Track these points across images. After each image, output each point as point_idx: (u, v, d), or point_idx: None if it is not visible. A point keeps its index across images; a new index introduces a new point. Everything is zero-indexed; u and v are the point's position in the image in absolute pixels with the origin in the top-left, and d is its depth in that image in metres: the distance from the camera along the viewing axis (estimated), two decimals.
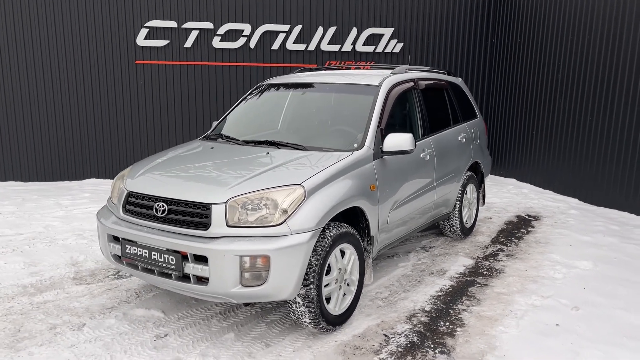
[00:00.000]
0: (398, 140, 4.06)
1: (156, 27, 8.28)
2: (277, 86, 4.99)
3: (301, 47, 8.76)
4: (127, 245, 3.53)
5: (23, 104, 8.16)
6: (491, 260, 5.19)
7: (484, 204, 6.34)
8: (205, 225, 3.28)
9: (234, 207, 3.26)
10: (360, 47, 8.97)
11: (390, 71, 4.88)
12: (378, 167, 4.05)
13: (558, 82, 7.89)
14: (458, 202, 5.53)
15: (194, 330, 3.66)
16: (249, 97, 5.04)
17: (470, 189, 5.84)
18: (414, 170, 4.55)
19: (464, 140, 5.54)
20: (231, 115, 4.91)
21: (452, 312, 4.03)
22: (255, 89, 5.09)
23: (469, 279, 4.71)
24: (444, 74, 5.85)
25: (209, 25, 8.40)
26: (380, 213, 4.05)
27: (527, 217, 6.79)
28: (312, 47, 8.80)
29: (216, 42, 8.47)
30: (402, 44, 9.11)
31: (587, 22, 7.32)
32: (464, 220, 5.72)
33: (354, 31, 8.89)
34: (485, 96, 9.60)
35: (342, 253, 3.69)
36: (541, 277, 4.74)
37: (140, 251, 3.45)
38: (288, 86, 4.94)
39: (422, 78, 5.13)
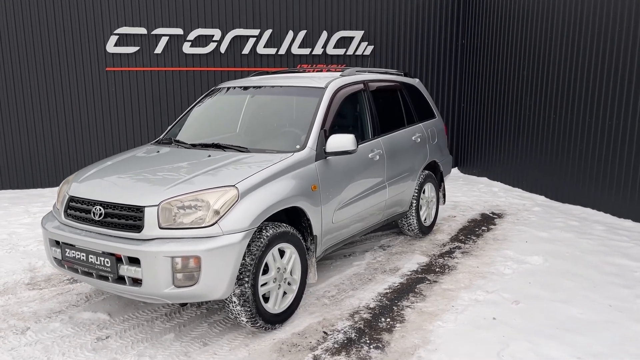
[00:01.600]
0: (340, 141, 4.13)
1: (126, 34, 8.36)
2: (229, 90, 5.07)
3: (272, 51, 8.85)
4: (66, 249, 3.59)
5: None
6: (446, 258, 5.26)
7: (444, 203, 6.43)
8: (139, 228, 3.35)
9: (166, 209, 3.33)
10: (330, 50, 9.06)
11: (340, 73, 4.96)
12: (321, 167, 4.13)
13: (524, 82, 7.99)
14: (415, 201, 5.61)
15: (136, 332, 3.73)
16: (202, 101, 5.12)
17: (429, 188, 5.91)
18: (362, 170, 4.63)
19: (419, 140, 5.62)
20: (184, 120, 4.98)
21: (395, 308, 4.10)
22: (208, 93, 5.17)
23: (420, 276, 4.79)
24: (400, 75, 5.94)
25: (178, 31, 8.48)
26: (324, 213, 4.13)
27: (491, 215, 6.87)
28: (282, 51, 8.88)
29: (186, 48, 8.55)
30: (372, 46, 9.21)
31: (550, 23, 7.42)
32: (422, 219, 5.80)
33: (324, 34, 8.98)
34: (457, 97, 9.70)
35: (282, 252, 3.77)
36: (491, 273, 4.82)
37: (78, 254, 3.51)
38: (239, 90, 5.02)
39: (373, 80, 5.21)
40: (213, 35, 8.59)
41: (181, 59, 8.59)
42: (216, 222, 3.32)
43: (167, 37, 8.47)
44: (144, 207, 3.35)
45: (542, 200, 7.53)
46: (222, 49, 8.66)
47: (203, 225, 3.31)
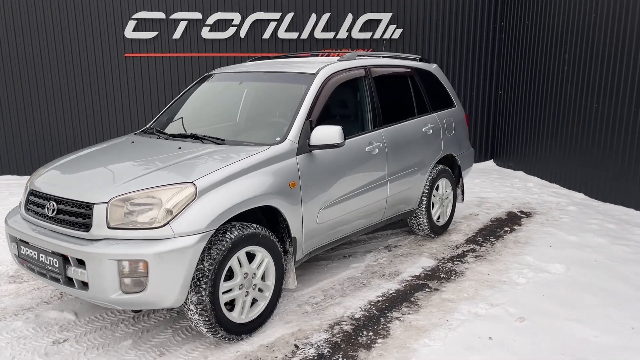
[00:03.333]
0: (324, 133, 3.73)
1: (144, 19, 8.18)
2: (219, 77, 4.74)
3: (293, 35, 8.47)
4: (21, 247, 3.39)
5: (17, 100, 8.27)
6: (455, 262, 4.78)
7: (462, 201, 5.89)
8: (87, 227, 3.08)
9: (116, 207, 3.05)
10: (356, 34, 8.58)
11: (338, 58, 4.53)
12: (303, 162, 3.74)
13: (566, 67, 7.26)
14: (425, 199, 5.12)
15: (96, 336, 3.49)
16: (193, 88, 4.81)
17: (443, 184, 5.41)
18: (356, 165, 4.20)
19: (431, 131, 5.12)
20: (173, 108, 4.70)
21: (382, 320, 3.69)
22: (199, 81, 4.86)
23: (420, 282, 4.34)
24: (415, 60, 5.43)
25: (197, 15, 8.23)
26: (305, 212, 3.75)
27: (518, 213, 6.28)
28: (305, 35, 8.48)
29: (205, 33, 8.30)
30: (401, 29, 8.66)
31: (595, 1, 6.66)
32: (434, 218, 5.31)
33: (350, 17, 8.50)
34: (493, 84, 9.02)
35: (253, 256, 3.42)
36: (501, 282, 4.31)
37: (31, 253, 3.30)
38: (229, 77, 4.67)
39: (377, 65, 4.75)
40: (232, 20, 8.29)
41: (200, 44, 8.35)
42: (168, 223, 3.01)
43: (186, 22, 8.23)
44: (93, 204, 3.08)
45: (580, 198, 6.84)
46: (242, 33, 8.35)
47: (154, 226, 3.01)
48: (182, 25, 8.23)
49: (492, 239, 5.38)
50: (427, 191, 5.13)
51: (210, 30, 8.30)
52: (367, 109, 4.48)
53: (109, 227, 3.03)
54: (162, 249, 2.94)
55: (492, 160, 9.34)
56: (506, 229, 5.72)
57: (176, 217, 3.02)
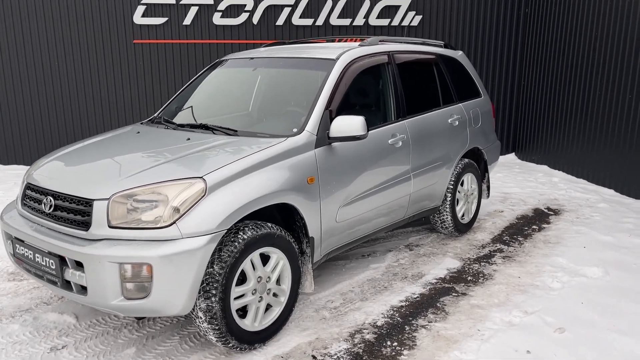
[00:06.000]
0: (345, 124, 3.42)
1: (154, 4, 7.87)
2: (232, 62, 4.42)
3: (308, 21, 8.12)
4: (17, 245, 3.12)
5: (23, 88, 8.03)
6: (482, 263, 4.46)
7: (488, 197, 5.55)
8: (87, 225, 2.80)
9: (117, 204, 2.76)
10: (373, 21, 8.21)
11: (359, 43, 4.20)
12: (322, 155, 3.43)
13: (595, 56, 6.86)
14: (449, 195, 4.80)
15: (97, 342, 3.22)
16: (204, 75, 4.50)
17: (469, 179, 5.07)
18: (379, 158, 3.89)
19: (457, 123, 4.78)
20: (183, 96, 4.40)
21: (407, 328, 3.39)
22: (210, 66, 4.55)
23: (446, 286, 4.02)
24: (439, 46, 5.08)
25: (208, 0, 7.90)
26: (324, 210, 3.44)
27: (545, 210, 5.93)
28: (320, 21, 8.13)
29: (217, 19, 7.97)
30: (420, 16, 8.27)
31: None
32: (459, 216, 4.98)
33: (367, 3, 8.14)
34: (517, 73, 8.62)
35: (268, 258, 3.13)
36: (534, 286, 3.99)
37: (27, 252, 3.03)
38: (243, 62, 4.36)
39: (400, 51, 4.41)
40: (245, 5, 7.96)
41: (211, 30, 8.03)
42: (174, 223, 2.72)
43: (197, 7, 7.91)
44: (93, 200, 2.80)
45: (610, 195, 6.46)
46: (255, 19, 8.01)
47: (159, 226, 2.72)
48: (192, 11, 7.92)
49: (520, 238, 5.05)
50: (451, 187, 4.80)
51: (222, 16, 7.97)
52: (391, 98, 4.15)
53: (110, 226, 2.75)
54: (168, 251, 2.65)
55: (513, 153, 8.96)
56: (534, 227, 5.38)
57: (184, 216, 2.73)
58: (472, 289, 3.97)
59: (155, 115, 4.32)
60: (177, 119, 4.02)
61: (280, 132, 3.43)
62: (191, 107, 4.17)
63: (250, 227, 2.99)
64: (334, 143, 3.52)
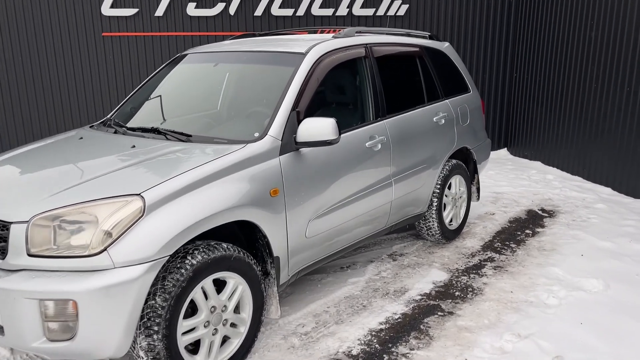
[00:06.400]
0: (314, 127, 3.01)
1: None
2: (193, 57, 3.99)
3: (289, 12, 7.67)
4: None
5: None
6: (472, 275, 4.07)
7: (478, 199, 5.16)
8: (3, 253, 2.38)
9: (38, 228, 2.34)
10: (357, 11, 7.77)
11: (333, 35, 3.78)
12: (288, 163, 3.02)
13: (592, 46, 6.47)
14: (436, 200, 4.40)
15: None
16: (162, 72, 4.07)
17: (456, 182, 4.68)
18: (355, 164, 3.48)
19: (443, 121, 4.37)
20: (139, 94, 3.96)
21: (386, 358, 2.99)
22: (169, 62, 4.12)
23: (431, 303, 3.64)
24: (424, 38, 4.66)
25: None
26: (291, 225, 3.03)
27: (540, 212, 5.55)
28: (301, 11, 7.68)
29: (191, 9, 7.50)
30: (407, 5, 7.84)
31: None
32: (446, 221, 4.59)
33: None
34: (508, 64, 8.22)
35: (223, 283, 2.72)
36: (528, 302, 3.61)
37: None
38: (204, 57, 3.93)
39: (380, 43, 3.99)
40: None
41: (185, 21, 7.56)
42: (105, 249, 2.30)
43: None
44: (10, 223, 2.38)
45: (607, 194, 6.09)
46: (232, 10, 7.55)
47: (87, 254, 2.30)
48: (165, 1, 7.44)
49: (513, 245, 4.67)
50: (438, 191, 4.40)
51: (196, 7, 7.51)
52: (369, 96, 3.74)
53: (30, 255, 2.33)
54: (97, 284, 2.24)
55: (505, 148, 8.57)
56: (527, 231, 5.00)
57: (117, 242, 2.32)
58: (459, 306, 3.59)
59: (108, 116, 3.89)
60: (131, 122, 3.59)
61: (239, 137, 3.01)
62: (148, 108, 3.74)
63: (201, 250, 2.58)
64: (302, 149, 3.10)
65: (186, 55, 4.07)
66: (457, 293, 3.79)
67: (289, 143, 3.04)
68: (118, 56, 7.59)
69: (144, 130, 3.31)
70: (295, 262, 3.15)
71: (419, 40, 4.50)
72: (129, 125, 3.49)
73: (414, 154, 4.03)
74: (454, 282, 3.98)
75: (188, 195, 2.54)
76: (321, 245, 3.33)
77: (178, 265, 2.48)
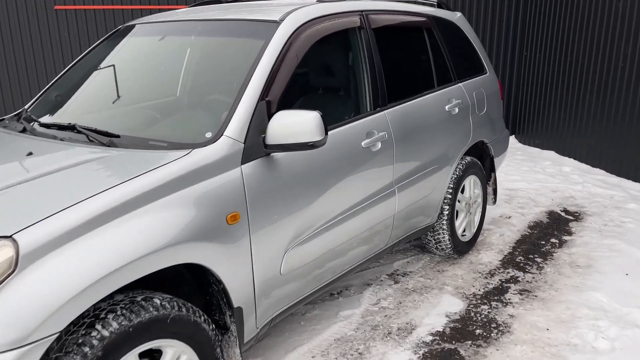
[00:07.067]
0: (291, 124, 2.14)
1: None
2: (141, 30, 3.07)
3: None
4: None
5: None
6: (494, 303, 3.25)
7: (495, 202, 4.32)
8: None
9: None
10: None
11: None
12: (254, 174, 2.15)
13: (617, 20, 5.60)
14: (447, 207, 3.56)
15: None
16: (99, 48, 3.15)
17: (471, 184, 3.84)
18: (348, 170, 2.62)
19: (457, 110, 3.51)
20: (68, 77, 3.06)
21: None
22: (109, 36, 3.19)
23: (447, 347, 2.82)
24: (431, 5, 3.77)
25: None
26: (259, 261, 2.18)
27: (563, 214, 4.73)
28: None
29: None
30: None
31: None
32: (459, 232, 3.76)
33: None
34: (517, 41, 7.33)
35: (158, 353, 1.87)
36: (572, 346, 2.80)
37: None
38: (151, 29, 3.01)
39: (379, 10, 3.10)
40: None
41: None
42: None
43: None
44: None
45: (638, 191, 5.28)
46: None
47: None
48: None
49: (538, 259, 3.85)
50: (450, 196, 3.56)
51: None
52: (365, 80, 2.86)
53: None
54: None
55: (513, 136, 7.72)
56: (553, 240, 4.18)
57: None
58: (483, 352, 2.77)
59: (25, 107, 2.98)
60: (48, 116, 2.69)
61: (184, 139, 2.14)
62: (80, 95, 2.83)
63: (120, 312, 1.72)
64: (274, 153, 2.24)
65: (134, 26, 3.15)
66: (478, 331, 2.97)
67: (256, 146, 2.17)
68: (73, 31, 6.62)
69: (61, 127, 2.42)
70: (266, 308, 2.30)
71: (425, 9, 3.61)
72: (43, 120, 2.59)
73: (422, 152, 3.17)
74: (472, 313, 3.15)
75: (95, 233, 1.67)
76: (303, 280, 2.48)
77: (80, 341, 1.62)
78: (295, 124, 2.14)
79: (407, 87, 3.14)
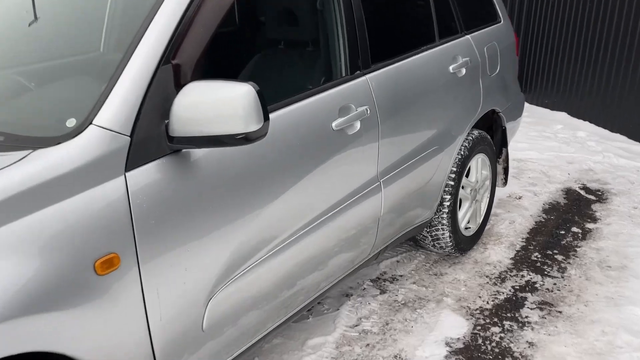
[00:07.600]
0: (208, 104, 1.32)
1: None
2: None
3: None
4: None
5: None
6: (507, 324, 2.52)
7: (505, 184, 3.52)
8: None
9: None
10: None
11: None
12: (150, 186, 1.34)
13: None
14: (449, 197, 2.77)
15: None
16: None
17: (478, 165, 3.04)
18: (311, 166, 1.80)
19: (464, 70, 2.67)
20: None
21: None
22: None
23: None
24: None
25: None
26: (160, 322, 1.39)
27: (584, 193, 3.97)
28: None
29: None
30: None
31: None
32: (462, 225, 2.99)
33: None
34: None
35: None
36: None
37: None
38: None
39: None
40: None
41: None
42: None
43: None
44: None
45: None
46: None
47: None
48: None
49: (559, 256, 3.11)
50: (452, 182, 2.77)
51: None
52: (338, 31, 1.99)
53: None
54: None
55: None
56: (575, 230, 3.43)
57: None
58: None
59: None
60: None
61: (25, 131, 1.31)
62: None
63: None
64: (185, 150, 1.41)
65: None
66: None
67: (153, 140, 1.35)
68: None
69: None
70: None
71: None
72: None
73: (418, 131, 2.35)
74: (480, 339, 2.42)
75: None
76: (238, 332, 1.70)
77: None
78: (217, 103, 1.32)
79: (398, 42, 2.29)
